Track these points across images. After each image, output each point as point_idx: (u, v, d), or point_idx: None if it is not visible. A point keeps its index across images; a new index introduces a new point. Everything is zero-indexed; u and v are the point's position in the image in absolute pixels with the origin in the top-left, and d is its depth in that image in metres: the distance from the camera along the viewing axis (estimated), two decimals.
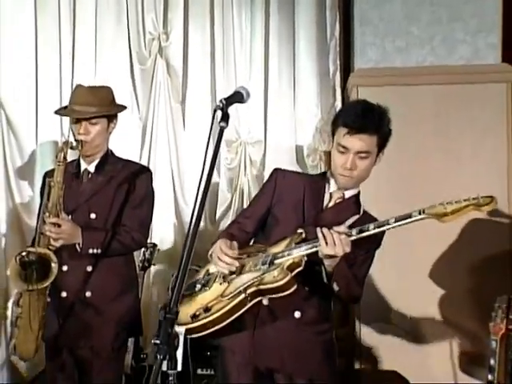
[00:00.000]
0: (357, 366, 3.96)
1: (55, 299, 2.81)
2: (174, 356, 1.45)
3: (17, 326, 2.75)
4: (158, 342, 1.44)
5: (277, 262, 2.10)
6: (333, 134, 2.27)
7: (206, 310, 2.07)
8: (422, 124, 3.89)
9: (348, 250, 1.98)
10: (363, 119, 2.14)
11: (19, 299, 2.68)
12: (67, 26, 4.29)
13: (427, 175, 3.84)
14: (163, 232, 4.19)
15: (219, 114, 1.88)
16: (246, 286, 2.06)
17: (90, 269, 2.78)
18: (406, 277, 3.78)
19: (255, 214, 2.41)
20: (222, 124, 1.84)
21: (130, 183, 2.85)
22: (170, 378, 1.53)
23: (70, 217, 2.78)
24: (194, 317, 2.07)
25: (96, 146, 2.83)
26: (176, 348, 1.47)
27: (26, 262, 2.65)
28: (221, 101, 1.88)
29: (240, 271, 2.18)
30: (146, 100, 4.23)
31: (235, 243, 2.20)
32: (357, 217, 2.21)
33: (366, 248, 2.21)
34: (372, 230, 1.99)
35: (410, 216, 1.93)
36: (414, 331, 3.84)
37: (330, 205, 2.30)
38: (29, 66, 4.27)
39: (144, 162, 3.98)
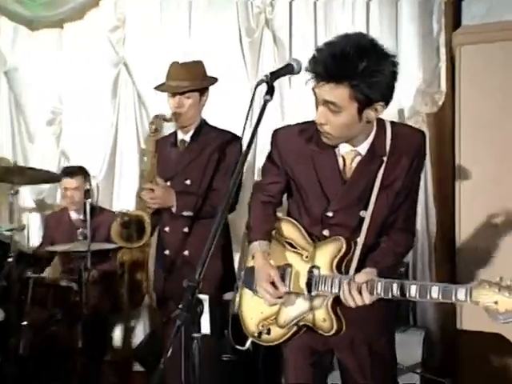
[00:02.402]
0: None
1: (161, 256, 2.94)
2: (198, 321, 1.43)
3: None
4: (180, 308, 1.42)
5: (320, 292, 1.95)
6: None
7: (268, 332, 2.04)
8: None
9: (367, 303, 1.83)
10: (330, 64, 1.72)
11: (122, 256, 2.82)
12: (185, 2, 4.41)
13: None
14: None
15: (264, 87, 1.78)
16: (297, 320, 1.99)
17: (186, 230, 2.88)
18: None
19: (274, 187, 2.19)
20: (267, 97, 1.77)
21: (221, 151, 2.89)
22: (195, 341, 1.50)
23: (168, 183, 2.85)
24: (259, 335, 2.07)
25: (190, 118, 2.90)
26: (200, 314, 1.45)
27: (125, 222, 2.78)
28: (265, 75, 1.79)
29: (289, 282, 2.04)
30: (255, 71, 4.19)
31: (278, 278, 2.00)
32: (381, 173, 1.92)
33: (406, 190, 1.98)
34: (395, 292, 1.79)
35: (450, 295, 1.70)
36: None
37: (348, 172, 1.98)
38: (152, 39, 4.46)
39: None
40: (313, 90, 1.82)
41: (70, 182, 3.93)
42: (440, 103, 3.85)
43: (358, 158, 1.96)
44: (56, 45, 4.90)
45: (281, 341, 2.04)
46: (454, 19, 3.93)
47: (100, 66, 4.69)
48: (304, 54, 3.96)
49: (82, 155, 4.57)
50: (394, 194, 1.96)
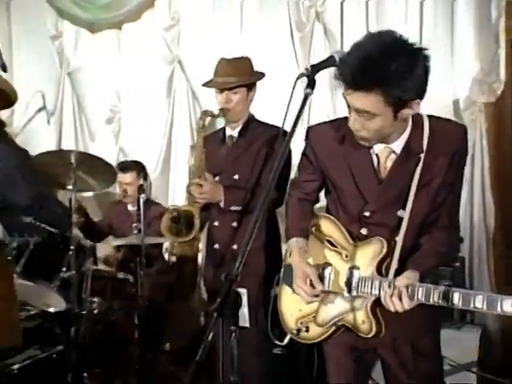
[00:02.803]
0: None
1: (211, 251, 2.96)
2: (236, 313, 1.43)
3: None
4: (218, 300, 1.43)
5: (360, 293, 1.92)
6: None
7: (307, 329, 2.03)
8: None
9: (408, 308, 1.78)
10: (357, 72, 1.65)
11: (173, 249, 2.85)
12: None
13: None
14: None
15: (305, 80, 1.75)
16: (336, 320, 1.98)
17: (235, 224, 2.89)
18: None
19: (309, 185, 2.16)
20: (308, 90, 1.75)
21: (269, 146, 2.88)
22: (233, 334, 1.50)
23: (217, 178, 2.86)
24: (297, 332, 2.05)
25: (237, 113, 2.91)
26: (238, 306, 1.45)
27: (175, 217, 2.80)
28: (306, 68, 1.75)
29: (329, 280, 2.02)
30: (306, 65, 4.11)
31: (316, 277, 1.99)
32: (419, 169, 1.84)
33: (447, 187, 1.90)
34: (437, 299, 1.73)
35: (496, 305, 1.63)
36: None
37: (382, 171, 1.92)
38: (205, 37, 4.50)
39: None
40: (343, 95, 1.76)
41: (123, 177, 4.00)
42: (499, 92, 3.69)
43: (393, 157, 1.90)
44: (115, 45, 5.02)
45: (319, 339, 2.02)
46: None
47: (155, 64, 4.77)
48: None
49: (138, 151, 4.67)
50: (434, 192, 1.89)
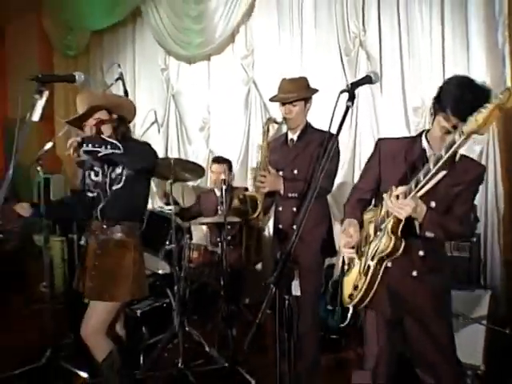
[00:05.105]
0: None
1: (276, 229, 2.88)
2: (289, 285, 1.34)
3: None
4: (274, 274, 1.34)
5: (382, 226, 1.80)
6: (437, 104, 1.76)
7: (355, 288, 1.89)
8: None
9: (410, 210, 1.63)
10: (465, 107, 1.58)
11: (242, 225, 2.79)
12: (298, 27, 4.34)
13: None
14: None
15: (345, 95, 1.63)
16: (370, 258, 1.83)
17: (294, 209, 2.78)
18: None
19: (368, 184, 2.03)
20: (348, 103, 1.62)
21: (321, 147, 2.69)
22: (287, 302, 1.41)
23: (281, 172, 2.77)
24: (350, 296, 1.92)
25: (296, 121, 2.79)
26: (291, 279, 1.36)
27: (241, 199, 2.75)
28: (347, 85, 1.64)
29: (366, 241, 1.90)
30: None
31: (355, 232, 1.89)
32: (443, 173, 1.66)
33: (462, 184, 1.76)
34: (430, 171, 1.57)
35: (454, 142, 1.49)
36: None
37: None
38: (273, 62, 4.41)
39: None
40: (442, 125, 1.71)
41: (217, 167, 3.99)
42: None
43: None
44: (205, 73, 5.04)
45: (366, 286, 1.83)
46: None
47: (236, 85, 4.74)
48: (391, 67, 3.79)
49: (224, 153, 4.63)
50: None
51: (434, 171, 1.55)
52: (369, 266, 1.81)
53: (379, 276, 1.81)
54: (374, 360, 1.95)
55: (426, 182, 1.58)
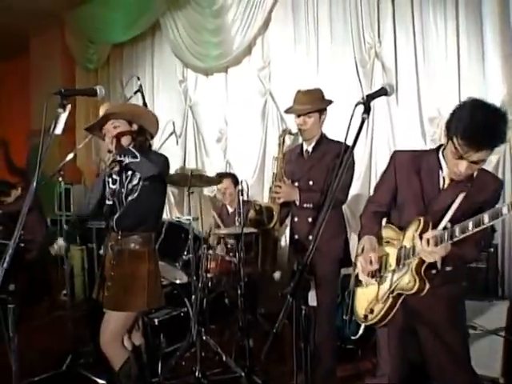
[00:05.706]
0: None
1: (292, 240, 2.88)
2: (306, 295, 1.35)
3: None
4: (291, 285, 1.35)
5: (406, 261, 1.79)
6: (448, 129, 1.73)
7: (371, 311, 1.88)
8: None
9: (438, 257, 1.65)
10: (481, 136, 1.60)
11: (258, 236, 2.80)
12: (313, 39, 4.36)
13: None
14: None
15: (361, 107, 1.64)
16: (390, 290, 1.83)
17: (310, 220, 2.78)
18: None
19: (383, 197, 2.01)
20: (364, 115, 1.63)
21: (337, 158, 2.70)
22: (303, 312, 1.42)
23: (296, 183, 2.78)
24: (365, 318, 1.90)
25: (311, 132, 2.80)
26: (307, 289, 1.37)
27: (257, 210, 2.76)
28: (362, 97, 1.65)
29: (385, 266, 1.89)
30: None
31: (375, 258, 1.87)
32: (462, 195, 1.70)
33: (480, 203, 1.76)
34: (468, 229, 1.56)
35: (501, 213, 1.48)
36: None
37: (445, 187, 1.82)
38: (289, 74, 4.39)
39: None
40: (455, 149, 1.67)
41: (220, 185, 3.96)
42: None
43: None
44: (223, 85, 5.09)
45: (382, 314, 1.84)
46: None
47: (252, 96, 4.78)
48: (407, 78, 3.78)
49: (241, 163, 4.68)
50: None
51: (470, 232, 1.55)
52: (388, 297, 1.81)
53: (396, 307, 1.81)
54: (387, 367, 1.94)
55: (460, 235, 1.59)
